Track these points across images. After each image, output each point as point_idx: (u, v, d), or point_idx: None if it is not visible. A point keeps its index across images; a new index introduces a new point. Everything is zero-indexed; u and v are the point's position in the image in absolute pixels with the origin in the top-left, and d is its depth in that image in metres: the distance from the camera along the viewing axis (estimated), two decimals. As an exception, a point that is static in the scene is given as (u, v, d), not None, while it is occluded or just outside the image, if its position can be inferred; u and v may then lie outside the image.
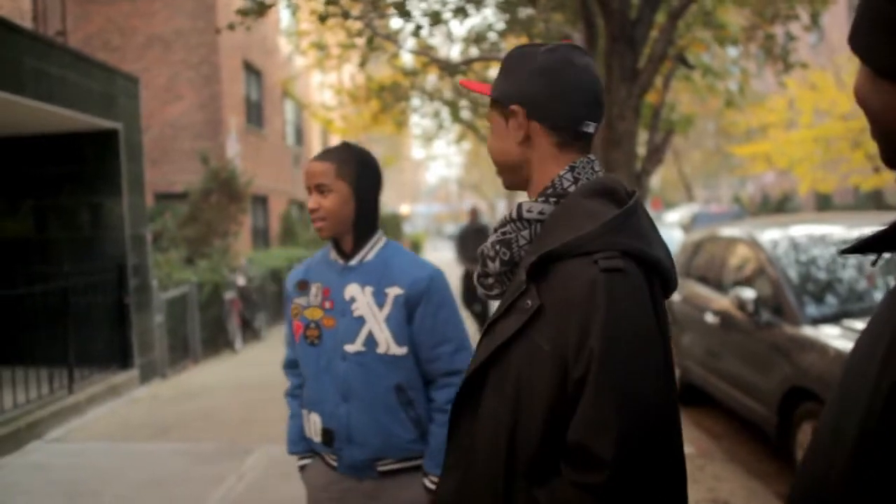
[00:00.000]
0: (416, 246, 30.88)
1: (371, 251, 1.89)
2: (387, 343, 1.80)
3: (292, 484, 4.33)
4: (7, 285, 6.52)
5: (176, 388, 7.07)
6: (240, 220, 11.32)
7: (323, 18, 6.17)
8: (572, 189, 1.12)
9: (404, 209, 45.16)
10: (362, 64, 7.38)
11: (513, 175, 1.20)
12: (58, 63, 6.09)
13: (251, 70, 15.82)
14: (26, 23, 7.74)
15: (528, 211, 1.13)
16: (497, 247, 1.14)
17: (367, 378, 1.81)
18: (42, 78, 5.83)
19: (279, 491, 4.24)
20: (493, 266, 1.15)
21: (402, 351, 1.81)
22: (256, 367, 8.06)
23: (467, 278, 8.77)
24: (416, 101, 10.83)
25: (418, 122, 16.60)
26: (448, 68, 6.60)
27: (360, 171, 1.84)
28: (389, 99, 9.78)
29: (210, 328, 8.65)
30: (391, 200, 58.63)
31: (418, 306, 1.83)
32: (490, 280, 1.18)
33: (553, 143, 1.14)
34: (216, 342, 8.79)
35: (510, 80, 1.17)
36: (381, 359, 1.81)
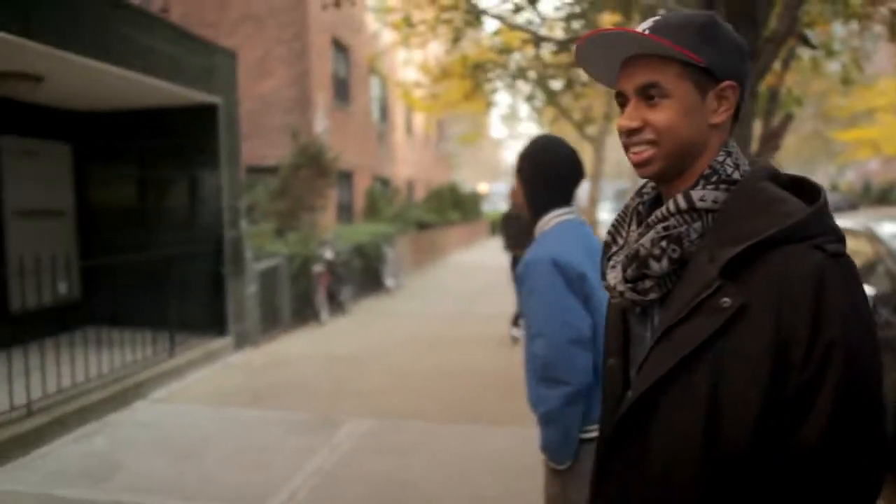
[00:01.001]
0: (495, 225, 30.73)
1: (541, 227, 1.99)
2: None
3: (384, 459, 4.39)
4: (112, 252, 6.86)
5: (267, 357, 7.28)
6: (327, 195, 11.53)
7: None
8: (735, 175, 1.02)
9: (482, 188, 44.95)
10: (455, 40, 7.30)
11: (681, 161, 1.04)
12: (163, 38, 6.28)
13: (339, 47, 15.99)
14: None
15: (702, 200, 1.01)
16: (663, 244, 1.01)
17: (526, 346, 1.96)
18: (149, 53, 6.03)
19: (371, 465, 4.29)
20: (659, 266, 1.01)
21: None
22: (344, 339, 8.21)
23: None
24: (505, 80, 10.64)
25: (502, 100, 16.44)
26: (556, 45, 6.42)
27: (527, 161, 2.00)
28: (482, 77, 9.65)
29: (298, 300, 8.86)
30: (470, 179, 58.46)
31: (519, 286, 1.94)
32: (648, 283, 1.04)
33: (730, 126, 1.06)
34: (303, 314, 9.00)
35: (717, 51, 1.02)
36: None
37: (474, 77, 9.83)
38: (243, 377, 6.49)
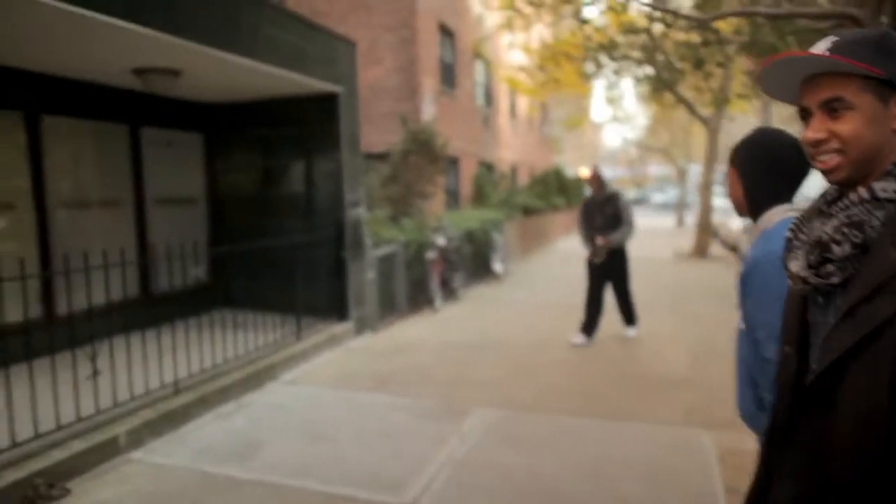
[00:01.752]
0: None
1: (764, 224, 1.88)
2: (739, 318, 1.85)
3: (516, 452, 4.33)
4: (238, 237, 7.15)
5: (387, 342, 7.40)
6: (436, 181, 11.58)
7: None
8: None
9: (584, 172, 44.06)
10: (576, 16, 7.07)
11: (866, 166, 1.13)
12: (290, 30, 6.43)
13: (445, 32, 15.98)
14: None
15: (883, 190, 1.11)
16: (845, 230, 1.11)
17: (739, 350, 1.87)
18: (277, 45, 6.19)
19: (503, 457, 4.25)
20: (841, 250, 1.11)
21: (743, 327, 1.82)
22: (458, 326, 8.23)
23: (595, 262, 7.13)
24: (624, 62, 10.25)
25: (608, 82, 15.88)
26: (697, 24, 6.11)
27: (748, 154, 1.88)
28: (604, 58, 9.32)
29: (413, 286, 8.95)
30: (572, 162, 57.39)
31: (745, 286, 1.78)
32: (831, 268, 1.13)
33: None
34: (417, 300, 9.09)
35: (895, 62, 1.11)
36: (741, 334, 1.85)
37: (592, 58, 9.52)
38: (365, 362, 6.61)
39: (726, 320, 5.74)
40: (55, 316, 5.96)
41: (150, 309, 6.55)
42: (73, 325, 4.39)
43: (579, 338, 7.10)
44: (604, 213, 7.05)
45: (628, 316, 7.41)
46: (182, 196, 7.85)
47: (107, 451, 4.23)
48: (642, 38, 8.45)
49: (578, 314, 7.41)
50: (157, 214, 7.41)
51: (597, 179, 7.08)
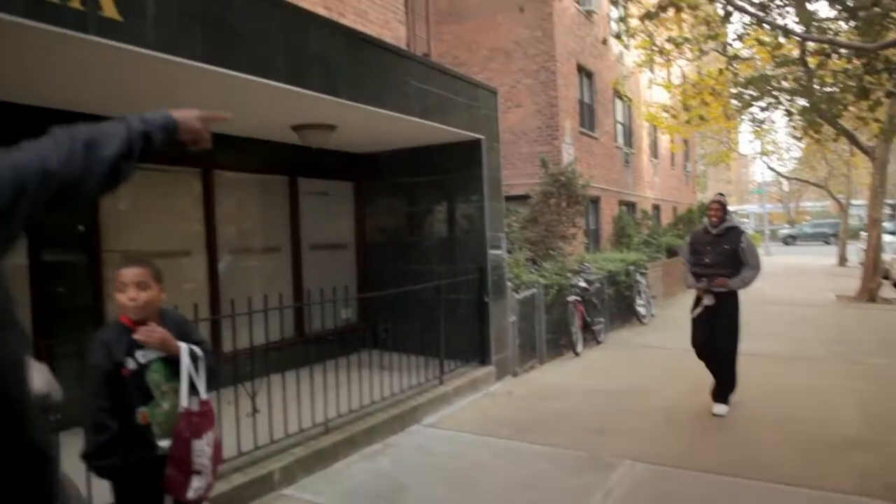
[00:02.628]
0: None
1: None
2: None
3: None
4: (384, 280, 7.41)
5: (527, 387, 7.32)
6: (577, 223, 11.45)
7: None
8: None
9: (731, 209, 41.78)
10: (722, 51, 6.80)
11: None
12: (433, 82, 6.68)
13: (584, 73, 15.95)
14: (402, 47, 8.73)
15: None
16: None
17: None
18: (421, 96, 6.45)
19: (654, 514, 4.03)
20: None
21: None
22: (601, 372, 8.00)
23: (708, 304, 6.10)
24: (776, 96, 9.71)
25: (755, 117, 15.05)
26: (859, 54, 5.71)
27: None
28: (757, 91, 8.88)
29: (553, 330, 8.83)
30: (716, 199, 54.51)
31: None
32: None
33: None
34: (557, 344, 8.94)
35: None
36: None
37: (739, 94, 9.08)
38: (507, 407, 6.57)
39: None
40: (220, 354, 6.44)
41: (304, 349, 6.91)
42: (236, 364, 4.72)
43: (720, 408, 6.07)
44: (718, 250, 6.03)
45: (727, 383, 6.14)
46: (334, 241, 8.29)
47: (263, 486, 4.47)
48: (796, 69, 7.96)
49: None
50: (312, 259, 7.87)
51: (722, 208, 6.15)
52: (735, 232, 6.11)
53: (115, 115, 1.50)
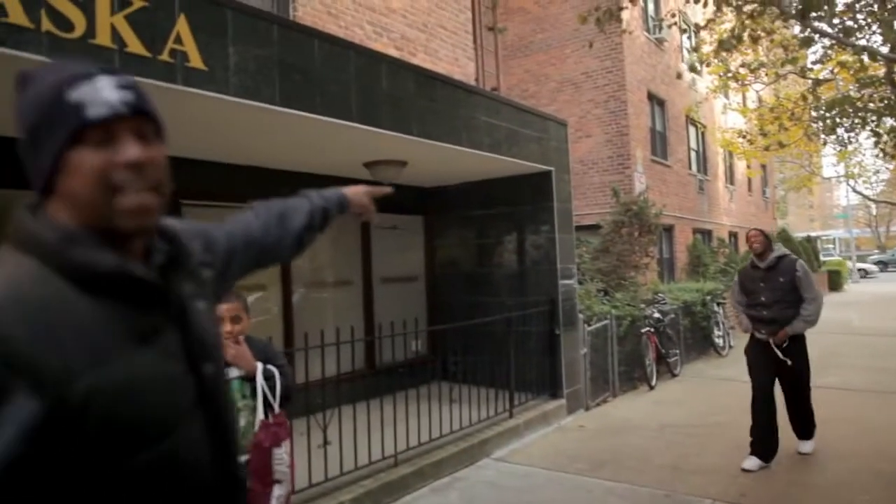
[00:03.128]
0: (836, 276, 27.03)
1: None
2: None
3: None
4: (454, 311, 7.45)
5: (600, 421, 7.18)
6: (650, 252, 11.23)
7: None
8: None
9: (813, 234, 40.09)
10: (802, 74, 6.59)
11: None
12: (501, 116, 6.77)
13: (655, 101, 15.76)
14: (471, 83, 8.89)
15: None
16: None
17: None
18: (490, 130, 6.53)
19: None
20: None
21: None
22: (676, 406, 7.76)
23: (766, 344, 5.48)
24: (861, 117, 9.33)
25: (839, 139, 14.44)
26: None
27: None
28: (840, 114, 8.54)
29: (626, 362, 8.65)
30: (798, 226, 52.56)
31: None
32: None
33: None
34: (631, 376, 8.75)
35: None
36: None
37: (826, 119, 8.76)
38: (579, 441, 6.46)
39: None
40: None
41: (375, 380, 7.01)
42: (308, 395, 4.83)
43: (751, 461, 5.42)
44: (773, 285, 5.44)
45: (805, 424, 5.73)
46: (404, 274, 8.43)
47: (336, 517, 4.54)
48: (882, 89, 7.64)
49: (817, 397, 6.59)
50: (382, 291, 8.02)
51: (762, 234, 5.59)
52: (787, 261, 5.51)
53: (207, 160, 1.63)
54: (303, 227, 1.61)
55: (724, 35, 5.84)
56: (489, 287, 8.09)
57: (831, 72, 8.32)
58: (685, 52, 17.40)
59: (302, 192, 1.72)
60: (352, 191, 1.82)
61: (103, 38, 3.45)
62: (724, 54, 7.44)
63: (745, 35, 5.61)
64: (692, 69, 7.82)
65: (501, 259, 8.07)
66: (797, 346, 5.48)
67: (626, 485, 5.16)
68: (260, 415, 2.63)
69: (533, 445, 6.36)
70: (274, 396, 2.68)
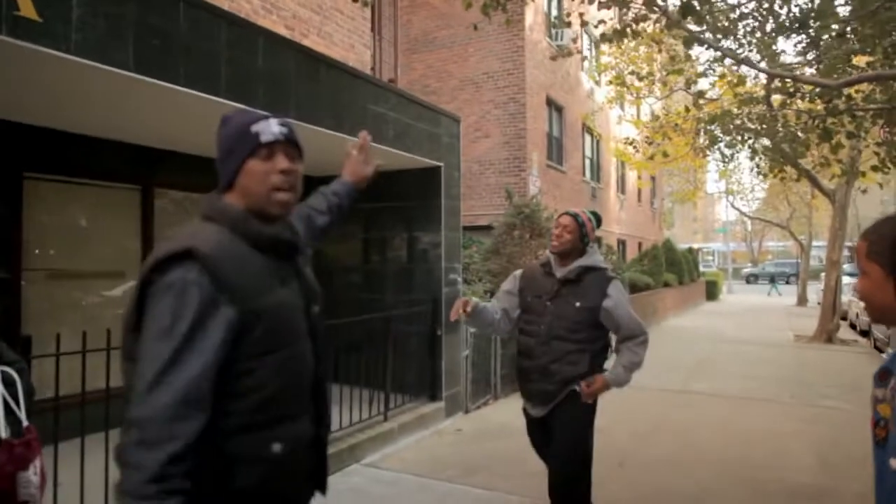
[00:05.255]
0: (712, 287, 28.59)
1: None
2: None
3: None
4: (336, 308, 7.10)
5: (478, 425, 7.05)
6: (540, 255, 11.30)
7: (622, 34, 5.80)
8: None
9: (695, 246, 42.38)
10: (687, 88, 6.75)
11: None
12: (394, 107, 6.50)
13: (554, 107, 15.99)
14: (366, 72, 8.57)
15: None
16: None
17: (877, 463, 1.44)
18: (381, 121, 6.25)
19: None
20: None
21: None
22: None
23: None
24: (742, 134, 9.72)
25: (721, 155, 15.18)
26: (821, 93, 5.66)
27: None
28: (721, 130, 8.83)
29: (509, 364, 8.59)
30: (682, 237, 55.51)
31: None
32: None
33: None
34: (514, 379, 8.69)
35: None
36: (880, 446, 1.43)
37: (709, 133, 9.06)
38: (454, 446, 6.29)
39: (861, 419, 5.03)
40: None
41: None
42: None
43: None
44: (562, 310, 3.42)
45: None
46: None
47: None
48: (759, 108, 7.96)
49: (694, 403, 6.78)
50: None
51: (573, 227, 3.51)
52: (598, 277, 3.45)
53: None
54: (325, 223, 2.29)
55: (609, 30, 5.87)
56: (374, 284, 7.80)
57: (711, 84, 8.58)
58: (585, 63, 17.77)
59: (318, 191, 2.37)
60: (349, 172, 2.44)
61: None
62: (617, 58, 7.52)
63: (629, 30, 5.65)
64: (591, 56, 7.87)
65: (387, 255, 7.81)
66: (575, 410, 3.43)
67: (497, 493, 5.02)
68: (2, 432, 2.19)
69: (407, 450, 6.13)
70: (19, 406, 2.24)
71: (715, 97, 10.56)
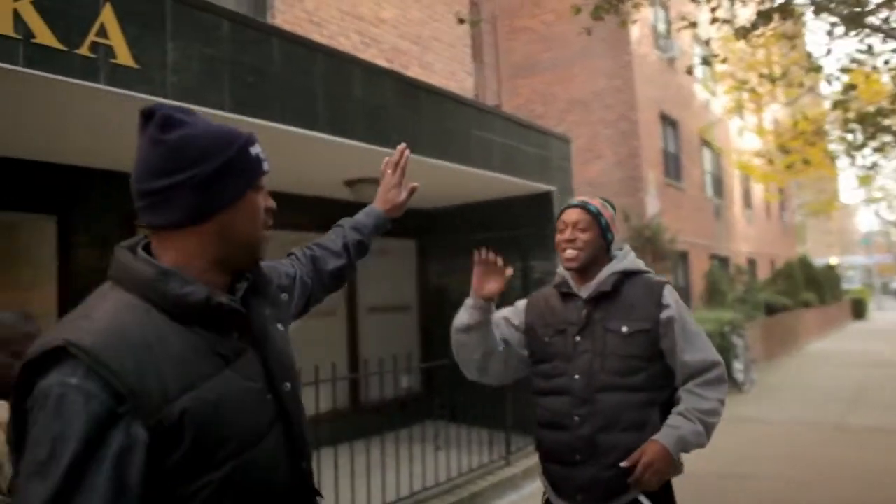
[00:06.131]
0: (859, 305, 26.11)
1: None
2: None
3: None
4: (449, 345, 6.79)
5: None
6: (664, 279, 10.57)
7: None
8: None
9: (833, 261, 39.09)
10: (828, 81, 5.97)
11: None
12: (500, 132, 6.19)
13: (668, 122, 15.18)
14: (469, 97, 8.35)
15: None
16: None
17: None
18: (487, 147, 5.95)
19: None
20: None
21: None
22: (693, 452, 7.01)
23: None
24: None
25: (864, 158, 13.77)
26: None
27: None
28: (867, 134, 7.87)
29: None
30: (817, 252, 51.56)
31: None
32: None
33: None
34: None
35: None
36: None
37: (850, 132, 8.11)
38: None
39: None
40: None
41: (359, 419, 6.36)
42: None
43: None
44: (603, 339, 2.24)
45: None
46: (395, 303, 7.79)
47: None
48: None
49: (853, 441, 5.88)
50: (369, 322, 7.38)
51: (593, 218, 2.35)
52: (645, 286, 2.33)
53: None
54: (337, 268, 1.80)
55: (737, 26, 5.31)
56: (489, 317, 7.44)
57: (845, 85, 7.62)
58: (698, 72, 16.85)
59: (337, 225, 1.89)
60: (381, 200, 1.93)
61: (3, 26, 2.91)
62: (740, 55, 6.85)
63: (772, 12, 5.07)
64: (704, 62, 7.18)
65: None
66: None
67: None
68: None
69: (533, 499, 5.65)
70: None
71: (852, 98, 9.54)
